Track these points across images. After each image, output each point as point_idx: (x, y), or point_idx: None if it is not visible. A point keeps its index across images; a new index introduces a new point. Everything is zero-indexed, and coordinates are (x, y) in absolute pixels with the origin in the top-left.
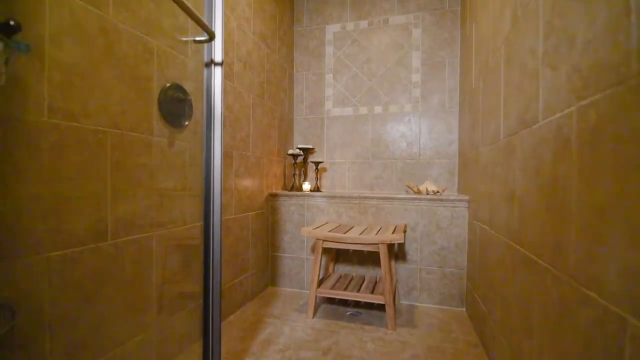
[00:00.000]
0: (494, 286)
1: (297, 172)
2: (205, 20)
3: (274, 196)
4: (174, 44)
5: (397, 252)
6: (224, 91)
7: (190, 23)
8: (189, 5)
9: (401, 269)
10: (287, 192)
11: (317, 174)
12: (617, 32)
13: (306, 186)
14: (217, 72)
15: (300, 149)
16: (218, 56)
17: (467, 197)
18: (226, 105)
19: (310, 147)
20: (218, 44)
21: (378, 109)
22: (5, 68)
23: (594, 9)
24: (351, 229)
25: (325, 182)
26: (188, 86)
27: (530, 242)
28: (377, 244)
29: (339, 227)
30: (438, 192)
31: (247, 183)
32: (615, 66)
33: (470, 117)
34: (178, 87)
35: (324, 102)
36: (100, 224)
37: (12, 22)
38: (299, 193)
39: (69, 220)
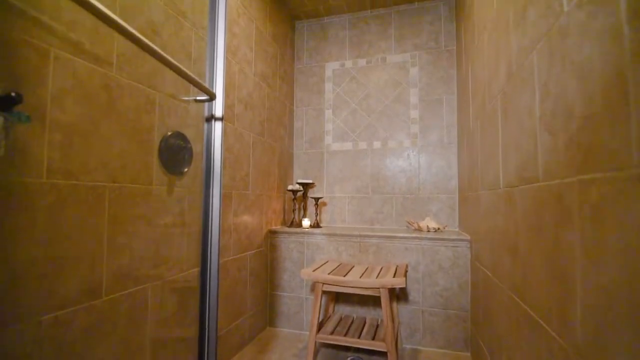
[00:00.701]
0: (499, 336)
1: (296, 207)
2: (206, 81)
3: (273, 233)
4: (176, 93)
5: (399, 293)
6: (225, 133)
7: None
8: (190, 73)
9: (403, 310)
10: (286, 229)
11: (317, 209)
12: (616, 118)
13: (306, 222)
14: (218, 127)
15: (300, 183)
16: (219, 111)
17: (468, 237)
18: (226, 147)
19: (310, 181)
20: (219, 102)
21: (377, 144)
22: (5, 139)
23: (590, 89)
24: (352, 268)
25: (325, 217)
26: (189, 132)
27: (536, 304)
28: (379, 288)
29: (340, 266)
30: (439, 229)
31: (246, 222)
32: (615, 151)
33: (469, 157)
34: (179, 135)
35: (323, 137)
36: (94, 281)
37: (13, 94)
38: (298, 230)
39: (63, 281)
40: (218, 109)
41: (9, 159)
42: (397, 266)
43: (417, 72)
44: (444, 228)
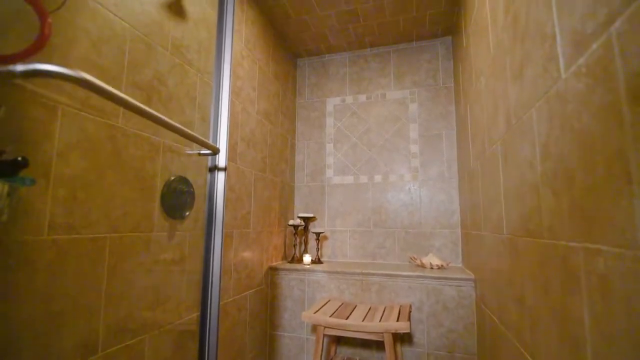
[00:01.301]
0: None
1: (297, 242)
2: (210, 129)
3: (274, 270)
4: (179, 138)
5: (403, 335)
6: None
7: (197, 118)
8: (193, 132)
9: (408, 353)
10: (287, 266)
11: (318, 243)
12: (620, 196)
13: (307, 258)
14: (221, 177)
15: (301, 217)
16: (222, 162)
17: (472, 276)
18: (229, 187)
19: (311, 215)
20: (222, 155)
21: (378, 178)
22: (9, 205)
23: (591, 159)
24: (354, 309)
25: (326, 251)
26: (192, 175)
27: None
28: (382, 332)
29: (342, 306)
30: (442, 266)
31: (247, 261)
32: (621, 229)
33: (470, 195)
34: (182, 180)
35: (325, 170)
36: (91, 336)
37: (19, 159)
38: (299, 267)
39: (58, 339)
40: (221, 160)
41: (11, 219)
42: (401, 306)
43: (417, 108)
44: (448, 265)
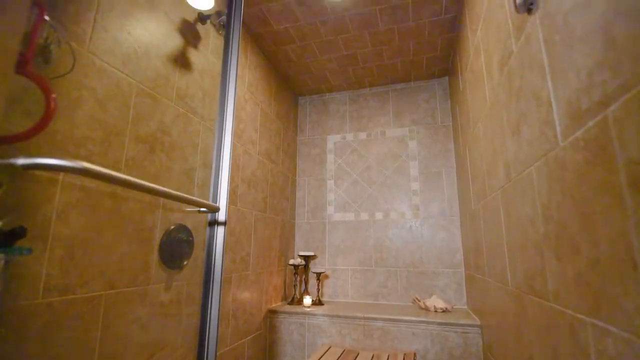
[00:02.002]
0: None
1: (297, 282)
2: (211, 183)
3: (273, 313)
4: (181, 186)
5: None
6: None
7: (199, 164)
8: (192, 197)
9: None
10: (287, 308)
11: (318, 283)
12: (626, 280)
13: (307, 300)
14: (220, 231)
15: (301, 256)
16: (222, 217)
17: (478, 321)
18: (229, 231)
19: (312, 254)
20: (222, 212)
21: (379, 215)
22: (4, 276)
23: (595, 233)
24: (356, 357)
25: (327, 290)
26: (192, 222)
27: None
28: None
29: (343, 354)
30: (446, 309)
31: (245, 305)
32: (630, 315)
33: (472, 237)
34: (182, 228)
35: (325, 207)
36: None
37: (17, 229)
38: (299, 310)
39: None
40: (221, 215)
41: (5, 289)
42: (405, 354)
43: (416, 145)
44: (452, 308)
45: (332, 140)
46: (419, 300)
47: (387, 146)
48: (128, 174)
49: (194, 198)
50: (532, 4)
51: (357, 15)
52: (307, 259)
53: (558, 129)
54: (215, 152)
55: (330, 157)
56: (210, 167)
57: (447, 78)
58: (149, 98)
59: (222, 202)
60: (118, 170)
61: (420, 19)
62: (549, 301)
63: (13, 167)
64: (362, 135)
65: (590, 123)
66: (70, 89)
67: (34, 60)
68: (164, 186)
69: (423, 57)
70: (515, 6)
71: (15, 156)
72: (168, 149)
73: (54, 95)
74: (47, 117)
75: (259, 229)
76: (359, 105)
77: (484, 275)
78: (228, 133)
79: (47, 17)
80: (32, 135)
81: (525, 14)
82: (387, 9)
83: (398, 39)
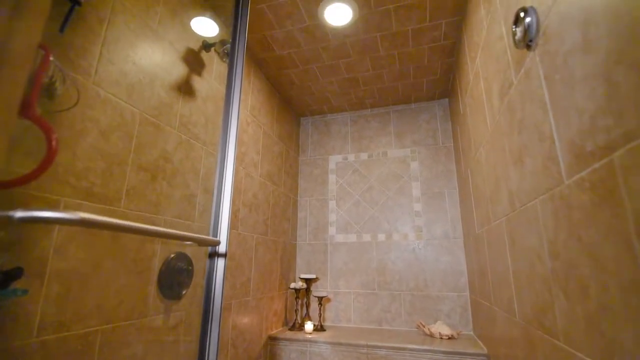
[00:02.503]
0: None
1: (299, 307)
2: (213, 210)
3: (273, 339)
4: (182, 213)
5: None
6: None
7: (200, 190)
8: (193, 234)
9: None
10: (288, 335)
11: (320, 308)
12: (638, 330)
13: (309, 326)
14: (220, 263)
15: (302, 279)
16: (222, 248)
17: (485, 351)
18: (229, 255)
19: (314, 276)
20: (223, 244)
21: (381, 237)
22: None
23: (604, 278)
24: None
25: (329, 314)
26: (191, 249)
27: None
28: None
29: None
30: (452, 336)
31: (245, 333)
32: None
33: (477, 261)
34: (182, 256)
35: (327, 228)
36: None
37: (13, 270)
38: (300, 337)
39: None
40: (222, 247)
41: None
42: None
43: (418, 166)
44: (458, 335)
45: (334, 160)
46: (424, 326)
47: (388, 167)
48: (129, 204)
49: (194, 235)
50: (531, 40)
51: (358, 41)
52: (308, 281)
53: (562, 165)
54: (217, 178)
55: (332, 178)
56: (212, 192)
57: (447, 99)
58: (152, 126)
59: (223, 233)
60: (119, 200)
61: (419, 45)
62: (559, 340)
63: (10, 220)
64: (364, 156)
65: (596, 165)
66: (74, 122)
67: (37, 101)
68: (164, 214)
69: (423, 80)
70: (514, 41)
71: (14, 201)
72: (169, 176)
73: (55, 136)
74: (48, 161)
75: (260, 253)
76: (360, 126)
77: (490, 303)
78: (230, 158)
79: (52, 58)
80: (33, 179)
81: (525, 50)
82: (387, 35)
83: (398, 63)
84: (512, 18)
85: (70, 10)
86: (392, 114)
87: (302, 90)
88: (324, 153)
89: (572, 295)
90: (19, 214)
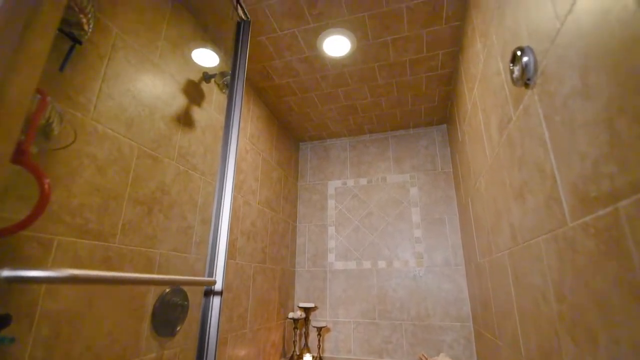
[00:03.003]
0: None
1: (297, 337)
2: (210, 239)
3: None
4: (178, 246)
5: None
6: (225, 271)
7: (197, 221)
8: (187, 277)
9: None
10: None
11: (319, 339)
12: None
13: (307, 358)
14: (216, 302)
15: (301, 308)
16: (219, 286)
17: None
18: (226, 287)
19: (312, 305)
20: (219, 283)
21: (382, 264)
22: None
23: (616, 333)
24: None
25: (328, 345)
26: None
27: None
28: None
29: None
30: None
31: None
32: None
33: (480, 291)
34: (177, 291)
35: (326, 255)
36: None
37: (1, 317)
38: None
39: None
40: (218, 285)
41: None
42: None
43: (417, 191)
44: None
45: (333, 185)
46: (427, 358)
47: (388, 192)
48: (124, 239)
49: (189, 279)
50: (529, 79)
51: (357, 71)
52: (307, 310)
53: (565, 207)
54: (214, 209)
55: (331, 203)
56: (210, 223)
57: (445, 125)
58: (150, 159)
59: (219, 272)
60: (114, 235)
61: (417, 74)
62: None
63: None
64: (363, 181)
65: (601, 212)
66: (70, 158)
67: (31, 145)
68: (160, 247)
69: (421, 107)
70: (512, 79)
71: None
72: (166, 209)
73: (47, 181)
74: (39, 208)
75: (257, 282)
76: (359, 151)
77: (494, 337)
78: (229, 188)
79: (49, 99)
80: (23, 229)
81: (523, 87)
82: (385, 65)
83: (396, 91)
84: (508, 54)
85: (71, 50)
86: (391, 140)
87: (301, 117)
88: (323, 178)
89: (580, 342)
90: (5, 273)
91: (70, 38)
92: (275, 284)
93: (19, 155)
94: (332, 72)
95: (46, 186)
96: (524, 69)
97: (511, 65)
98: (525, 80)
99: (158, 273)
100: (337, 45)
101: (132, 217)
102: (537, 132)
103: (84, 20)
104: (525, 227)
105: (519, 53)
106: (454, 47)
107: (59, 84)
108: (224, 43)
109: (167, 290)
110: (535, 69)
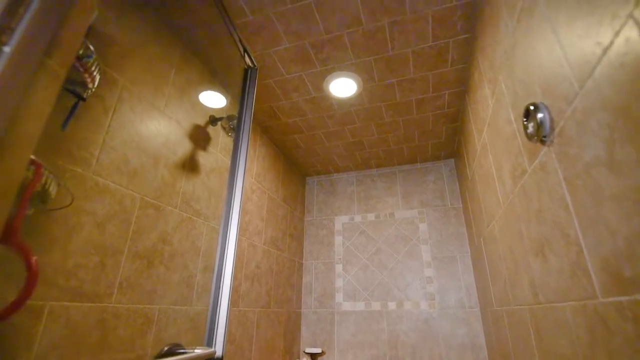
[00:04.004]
0: None
1: None
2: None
3: None
4: (179, 298)
5: None
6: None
7: (200, 269)
8: (183, 356)
9: None
10: None
11: None
12: None
13: None
14: None
15: (308, 354)
16: (219, 352)
17: None
18: (228, 339)
19: (319, 351)
20: (219, 350)
21: (392, 305)
22: None
23: None
24: None
25: None
26: (185, 338)
27: None
28: None
29: None
30: None
31: None
32: None
33: (497, 342)
34: (175, 346)
35: (334, 294)
36: None
37: None
38: None
39: None
40: (218, 351)
41: None
42: None
43: (427, 228)
44: None
45: (340, 221)
46: None
47: (396, 228)
48: (121, 297)
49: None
50: (545, 136)
51: (363, 110)
52: (314, 356)
53: (595, 280)
54: (218, 255)
55: (338, 239)
56: (213, 270)
57: (453, 160)
58: (152, 209)
59: (220, 331)
60: (110, 295)
61: (423, 112)
62: None
63: None
64: (371, 217)
65: (639, 297)
66: (68, 217)
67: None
68: (160, 302)
69: (428, 142)
70: (526, 134)
71: None
72: (167, 260)
73: (35, 259)
74: (27, 291)
75: (261, 328)
76: (366, 186)
77: None
78: (233, 232)
79: (43, 170)
80: (9, 315)
81: (539, 144)
82: (391, 105)
83: (403, 128)
84: (519, 106)
85: (74, 107)
86: (398, 174)
87: (307, 153)
88: (329, 213)
89: None
90: None
91: (74, 95)
92: (280, 329)
93: (8, 237)
94: (339, 111)
95: (34, 267)
96: (539, 125)
97: (525, 120)
98: (541, 137)
99: (156, 332)
100: (343, 86)
101: (130, 273)
102: (557, 192)
103: (89, 80)
104: (547, 287)
105: (532, 108)
106: (460, 87)
107: (61, 140)
108: (231, 87)
109: (166, 348)
110: (552, 128)
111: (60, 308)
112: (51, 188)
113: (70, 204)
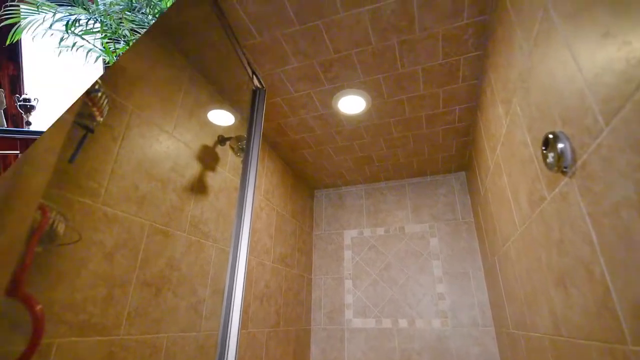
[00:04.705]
0: None
1: None
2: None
3: None
4: (187, 325)
5: None
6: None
7: (208, 294)
8: None
9: None
10: None
11: None
12: None
13: None
14: None
15: None
16: None
17: None
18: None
19: None
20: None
21: (403, 323)
22: None
23: None
24: None
25: None
26: None
27: None
28: None
29: None
30: None
31: None
32: None
33: None
34: None
35: (343, 311)
36: None
37: None
38: None
39: None
40: None
41: None
42: None
43: (438, 243)
44: None
45: (349, 235)
46: None
47: (407, 243)
48: (129, 329)
49: None
50: (566, 167)
51: (372, 125)
52: None
53: (624, 325)
54: (228, 278)
55: (347, 254)
56: (222, 293)
57: (464, 173)
58: (161, 235)
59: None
60: (118, 327)
61: (433, 127)
62: None
63: None
64: (380, 231)
65: None
66: (76, 250)
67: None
68: (168, 331)
69: (438, 156)
70: (546, 164)
71: None
72: (175, 286)
73: (40, 307)
74: (35, 341)
75: (271, 349)
76: (375, 199)
77: None
78: (243, 252)
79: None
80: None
81: (559, 174)
82: (400, 120)
83: (412, 142)
84: (536, 130)
85: (83, 139)
86: (408, 187)
87: (316, 167)
88: (338, 227)
89: None
90: None
91: (83, 127)
92: (290, 349)
93: (14, 289)
94: (347, 127)
95: (40, 317)
96: (560, 156)
97: (544, 148)
98: (562, 168)
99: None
100: (352, 103)
101: (139, 302)
102: (580, 226)
103: (97, 113)
104: (570, 322)
105: (551, 137)
106: (471, 102)
107: (69, 172)
108: (240, 106)
109: None
110: (574, 160)
111: (68, 344)
112: (59, 227)
113: (79, 240)
